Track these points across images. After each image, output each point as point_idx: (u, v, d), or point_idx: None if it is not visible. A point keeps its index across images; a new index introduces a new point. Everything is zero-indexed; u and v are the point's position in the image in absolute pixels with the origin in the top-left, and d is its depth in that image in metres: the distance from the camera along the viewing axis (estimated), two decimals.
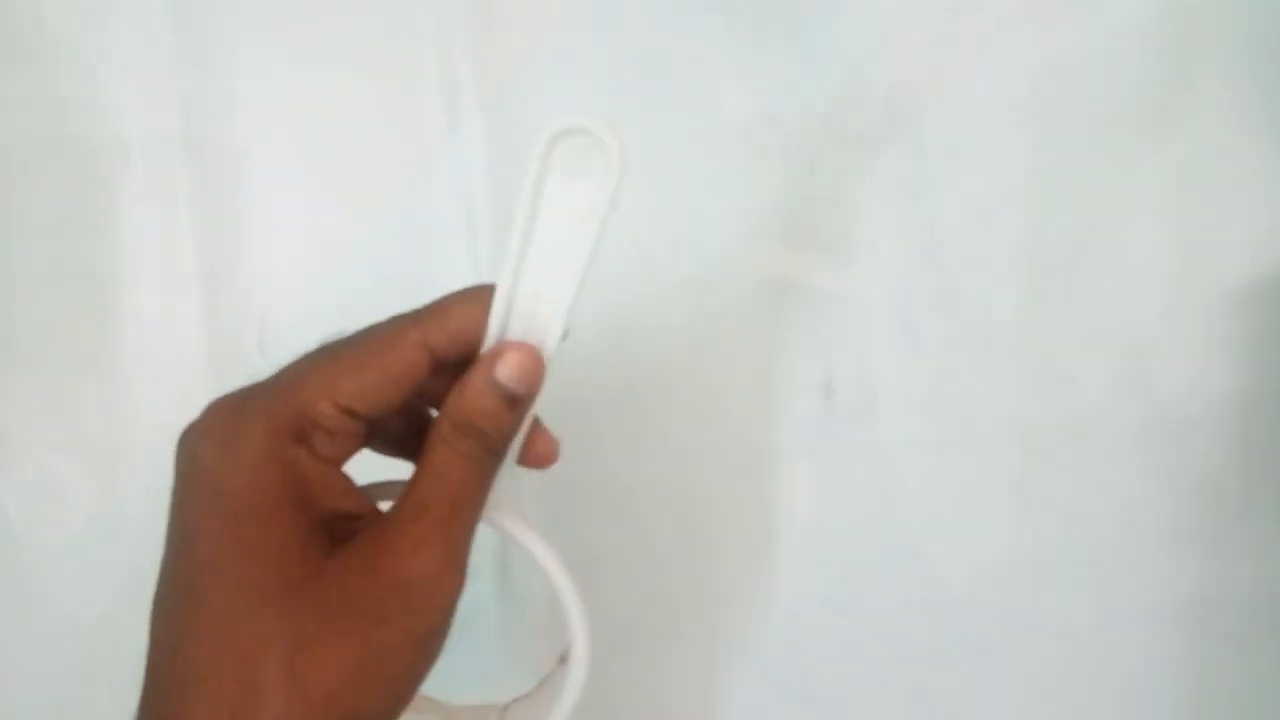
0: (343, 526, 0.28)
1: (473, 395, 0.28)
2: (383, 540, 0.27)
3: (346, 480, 0.29)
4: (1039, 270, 0.41)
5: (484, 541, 0.29)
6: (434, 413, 0.29)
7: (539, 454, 0.31)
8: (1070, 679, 0.42)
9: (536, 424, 0.30)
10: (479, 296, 0.29)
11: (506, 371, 0.28)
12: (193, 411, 0.43)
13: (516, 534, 0.31)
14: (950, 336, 0.42)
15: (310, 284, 0.43)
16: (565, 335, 0.29)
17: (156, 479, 0.43)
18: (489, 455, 0.28)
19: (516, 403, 0.28)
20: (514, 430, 0.29)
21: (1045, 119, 0.41)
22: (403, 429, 0.30)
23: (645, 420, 0.43)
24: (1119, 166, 0.41)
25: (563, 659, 0.33)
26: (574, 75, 0.42)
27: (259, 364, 0.43)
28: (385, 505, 0.29)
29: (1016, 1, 0.41)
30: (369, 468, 0.30)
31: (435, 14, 0.42)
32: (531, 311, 0.29)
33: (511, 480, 0.30)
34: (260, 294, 0.43)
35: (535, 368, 0.28)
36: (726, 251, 0.42)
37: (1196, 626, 0.42)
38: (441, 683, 0.30)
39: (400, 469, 0.30)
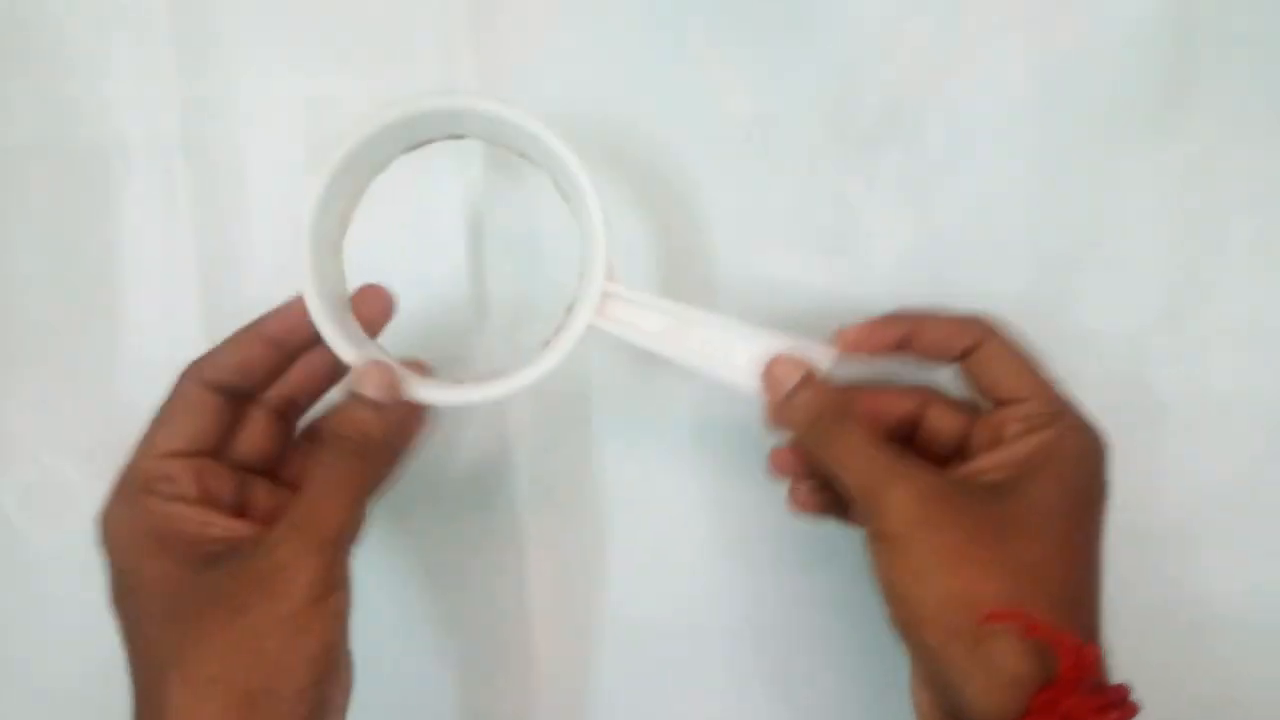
0: (217, 549, 0.33)
1: (339, 409, 0.34)
2: (244, 548, 0.32)
3: (205, 513, 0.33)
4: (1039, 270, 0.41)
5: None
6: None
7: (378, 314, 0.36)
8: None
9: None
10: (246, 329, 0.36)
11: (369, 388, 0.33)
12: None
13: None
14: None
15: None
16: None
17: None
18: (353, 458, 0.33)
19: (377, 408, 0.33)
20: (380, 438, 0.34)
21: (1045, 119, 0.41)
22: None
23: (646, 420, 0.43)
24: (1119, 166, 0.41)
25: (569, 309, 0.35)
26: (574, 75, 0.42)
27: None
28: None
29: (1016, 1, 0.41)
30: None
31: (435, 14, 0.42)
32: None
33: None
34: (260, 294, 0.43)
35: (391, 381, 0.34)
36: (726, 251, 0.42)
37: (1197, 627, 0.42)
38: None
39: None
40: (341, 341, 0.34)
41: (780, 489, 0.43)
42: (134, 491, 0.34)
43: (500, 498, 0.43)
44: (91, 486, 0.43)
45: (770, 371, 0.35)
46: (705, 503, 0.43)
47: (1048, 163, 0.41)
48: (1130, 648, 0.42)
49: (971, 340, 0.35)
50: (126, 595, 0.33)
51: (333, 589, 0.32)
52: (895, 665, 0.43)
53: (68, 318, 0.43)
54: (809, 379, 0.34)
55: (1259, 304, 0.41)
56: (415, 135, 0.36)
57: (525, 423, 0.43)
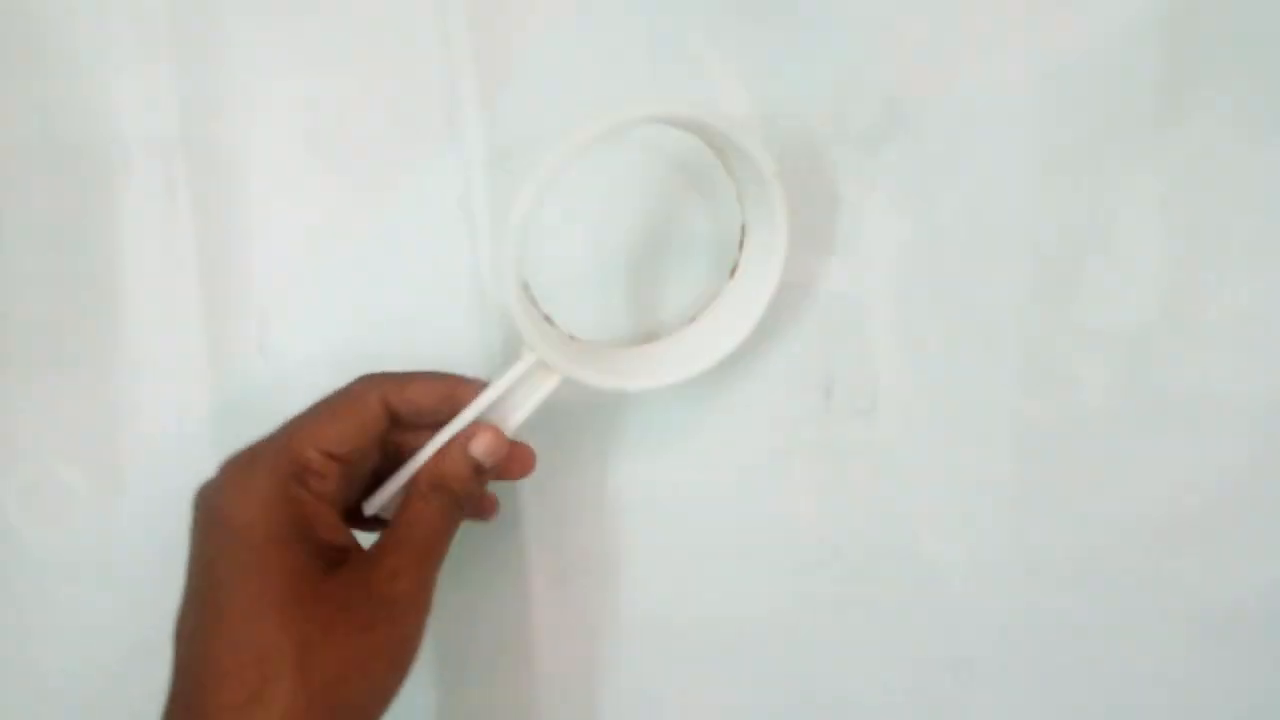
0: (334, 556, 0.34)
1: (449, 462, 0.36)
2: (371, 566, 0.34)
3: (335, 517, 0.35)
4: (1039, 270, 0.41)
5: None
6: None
7: (519, 467, 0.39)
8: (1069, 679, 0.42)
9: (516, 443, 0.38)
10: (438, 377, 0.37)
11: (479, 448, 0.36)
12: (193, 412, 0.43)
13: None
14: (950, 336, 0.42)
15: (310, 284, 0.43)
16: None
17: (157, 480, 0.43)
18: (455, 508, 0.36)
19: (482, 471, 0.36)
20: (478, 491, 0.37)
21: (1045, 119, 0.41)
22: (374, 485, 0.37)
23: (645, 420, 0.43)
24: (1119, 166, 0.41)
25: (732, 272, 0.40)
26: (574, 75, 0.42)
27: (259, 364, 0.43)
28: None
29: (1016, 1, 0.41)
30: None
31: (434, 14, 0.42)
32: (503, 401, 0.37)
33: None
34: (260, 294, 0.43)
35: (500, 446, 0.37)
36: (726, 251, 0.42)
37: (1197, 627, 0.42)
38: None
39: None
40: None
41: (785, 486, 0.43)
42: (284, 473, 0.34)
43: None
44: (91, 486, 0.44)
45: None
46: (708, 500, 0.43)
47: (1048, 163, 0.41)
48: (1130, 646, 0.42)
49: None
50: (245, 573, 0.32)
51: (426, 625, 0.35)
52: (903, 663, 0.43)
53: (68, 318, 0.43)
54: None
55: (1259, 304, 0.41)
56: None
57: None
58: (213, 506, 0.34)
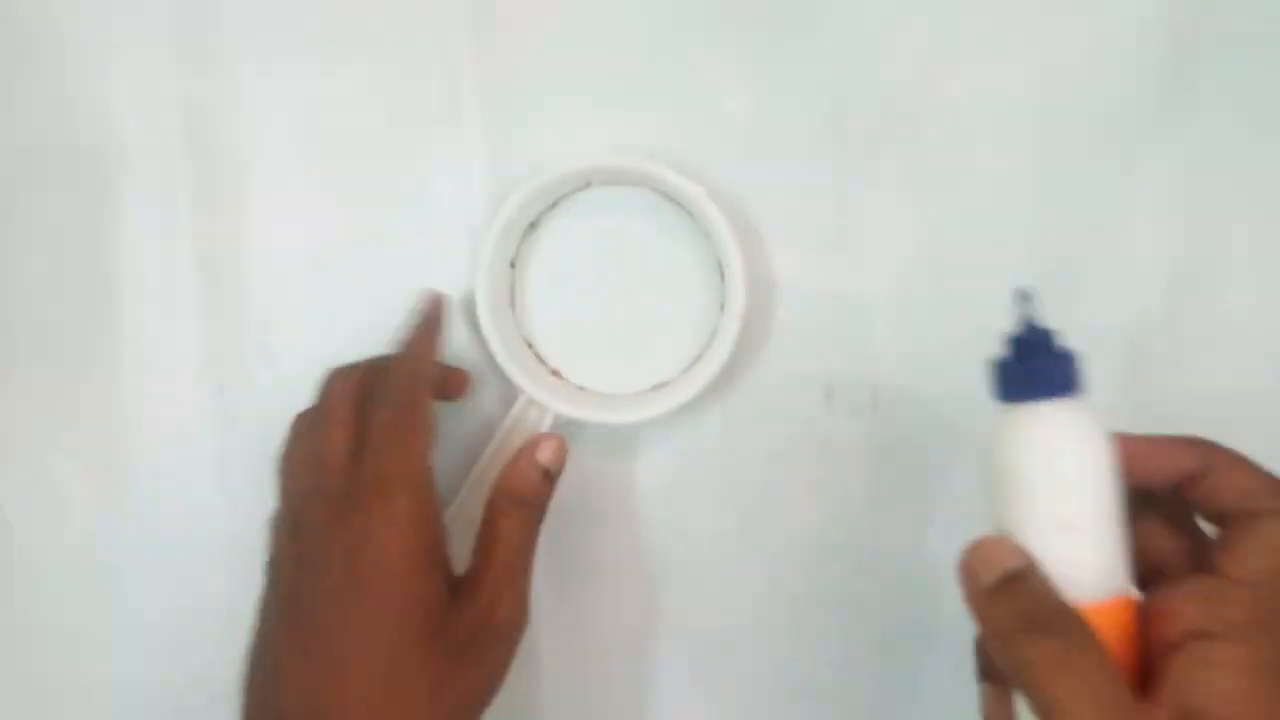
0: (452, 583, 0.35)
1: (521, 474, 0.37)
2: (478, 594, 0.35)
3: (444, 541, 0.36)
4: (1039, 270, 0.41)
5: None
6: None
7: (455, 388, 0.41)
8: None
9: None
10: (444, 366, 0.40)
11: (546, 455, 0.37)
12: (193, 412, 0.43)
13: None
14: (950, 336, 0.41)
15: (310, 284, 0.43)
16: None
17: (157, 480, 0.43)
18: (535, 519, 0.37)
19: (551, 477, 0.37)
20: (550, 498, 0.38)
21: (1045, 119, 0.41)
22: None
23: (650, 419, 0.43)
24: (1119, 166, 0.41)
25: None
26: (574, 76, 0.42)
27: (259, 364, 0.43)
28: None
29: (1016, 2, 0.41)
30: None
31: (436, 15, 0.42)
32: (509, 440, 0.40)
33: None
34: (260, 294, 0.43)
35: (564, 451, 0.38)
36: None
37: None
38: None
39: None
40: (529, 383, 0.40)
41: (785, 486, 0.43)
42: (422, 495, 0.34)
43: None
44: (91, 487, 0.44)
45: (973, 552, 0.28)
46: (708, 500, 0.43)
47: (1048, 163, 0.41)
48: None
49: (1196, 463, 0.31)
50: (388, 603, 0.33)
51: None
52: (904, 663, 0.43)
53: (68, 318, 0.43)
54: (1018, 578, 0.27)
55: (1259, 304, 0.41)
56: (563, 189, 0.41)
57: None
58: (356, 530, 0.33)
